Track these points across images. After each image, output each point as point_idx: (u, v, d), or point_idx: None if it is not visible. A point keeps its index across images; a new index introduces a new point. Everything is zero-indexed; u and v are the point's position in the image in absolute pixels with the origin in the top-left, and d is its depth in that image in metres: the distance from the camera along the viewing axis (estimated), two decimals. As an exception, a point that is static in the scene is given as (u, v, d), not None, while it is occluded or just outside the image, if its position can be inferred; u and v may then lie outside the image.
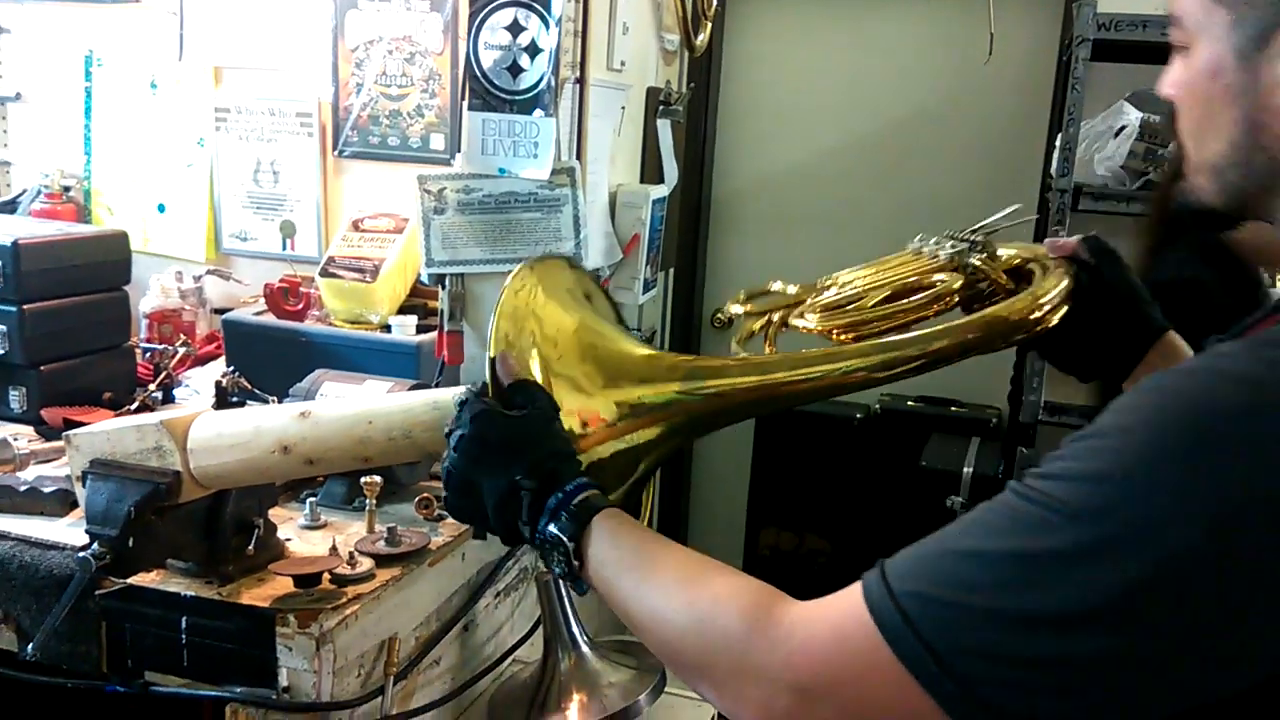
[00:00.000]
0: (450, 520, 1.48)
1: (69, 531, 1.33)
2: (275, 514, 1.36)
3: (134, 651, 1.25)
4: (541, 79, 1.72)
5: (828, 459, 3.08)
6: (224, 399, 1.56)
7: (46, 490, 1.41)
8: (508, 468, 0.88)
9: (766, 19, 3.19)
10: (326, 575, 1.26)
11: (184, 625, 1.22)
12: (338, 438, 1.11)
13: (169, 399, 1.86)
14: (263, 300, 1.98)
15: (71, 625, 1.23)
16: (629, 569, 0.84)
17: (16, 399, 1.74)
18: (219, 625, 1.21)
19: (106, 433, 1.19)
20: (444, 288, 1.78)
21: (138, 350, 1.99)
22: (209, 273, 2.20)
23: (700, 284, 3.34)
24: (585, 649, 1.50)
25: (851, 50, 3.14)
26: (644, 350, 1.01)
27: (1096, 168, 2.54)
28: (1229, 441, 0.61)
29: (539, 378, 0.94)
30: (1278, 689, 0.63)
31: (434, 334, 1.83)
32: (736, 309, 1.15)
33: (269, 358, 1.85)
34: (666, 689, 1.48)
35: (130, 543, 1.14)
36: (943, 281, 1.07)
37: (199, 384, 1.92)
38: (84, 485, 1.18)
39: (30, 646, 1.22)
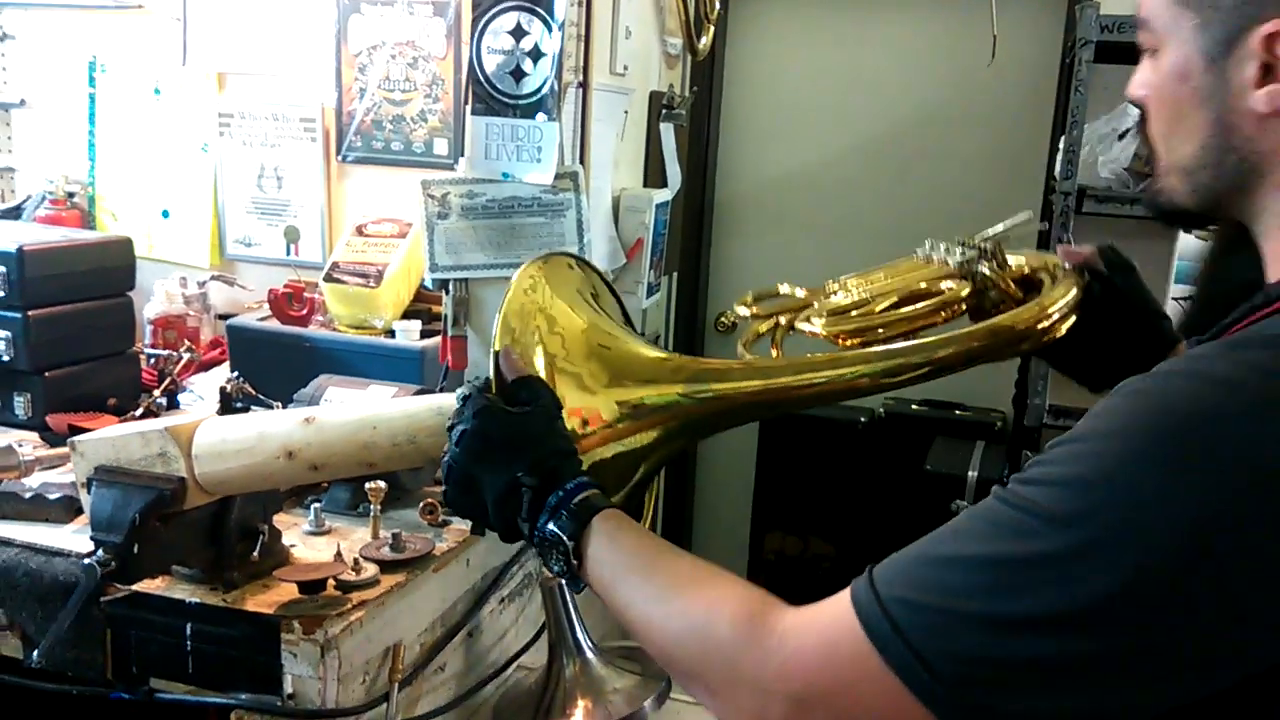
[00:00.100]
0: (455, 525, 1.48)
1: (74, 538, 1.33)
2: (280, 520, 1.36)
3: (139, 658, 1.25)
4: (544, 83, 1.72)
5: (832, 463, 3.07)
6: (228, 404, 1.56)
7: (51, 497, 1.41)
8: (509, 464, 0.88)
9: (769, 22, 3.19)
10: (331, 581, 1.26)
11: (189, 632, 1.22)
12: (342, 443, 1.11)
13: (173, 405, 1.86)
14: (267, 306, 1.98)
15: (76, 632, 1.23)
16: (627, 571, 0.84)
17: (21, 405, 1.74)
18: (224, 632, 1.21)
19: (111, 439, 1.19)
20: (448, 293, 1.78)
21: (142, 356, 1.99)
22: (213, 278, 2.20)
23: (703, 288, 3.34)
24: (590, 655, 1.49)
25: (854, 54, 3.14)
26: (651, 351, 1.01)
27: (1100, 170, 2.54)
28: (1207, 443, 0.62)
29: (543, 374, 0.94)
30: (1263, 686, 0.64)
31: (438, 339, 1.83)
32: (743, 311, 1.15)
33: (273, 363, 1.85)
34: (672, 695, 1.48)
35: (135, 549, 1.14)
36: (950, 289, 1.07)
37: (203, 390, 1.92)
38: (89, 492, 1.18)
39: (35, 653, 1.22)
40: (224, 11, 2.16)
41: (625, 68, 2.06)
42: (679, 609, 0.79)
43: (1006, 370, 2.61)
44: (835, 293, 1.12)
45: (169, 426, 1.17)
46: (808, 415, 2.96)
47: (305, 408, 1.42)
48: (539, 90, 1.72)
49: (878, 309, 1.07)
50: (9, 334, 1.71)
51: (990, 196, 3.03)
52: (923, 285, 1.09)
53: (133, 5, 2.23)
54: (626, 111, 2.13)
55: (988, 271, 1.07)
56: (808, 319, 1.09)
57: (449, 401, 1.06)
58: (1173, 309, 2.68)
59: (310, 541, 1.41)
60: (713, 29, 2.52)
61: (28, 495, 1.42)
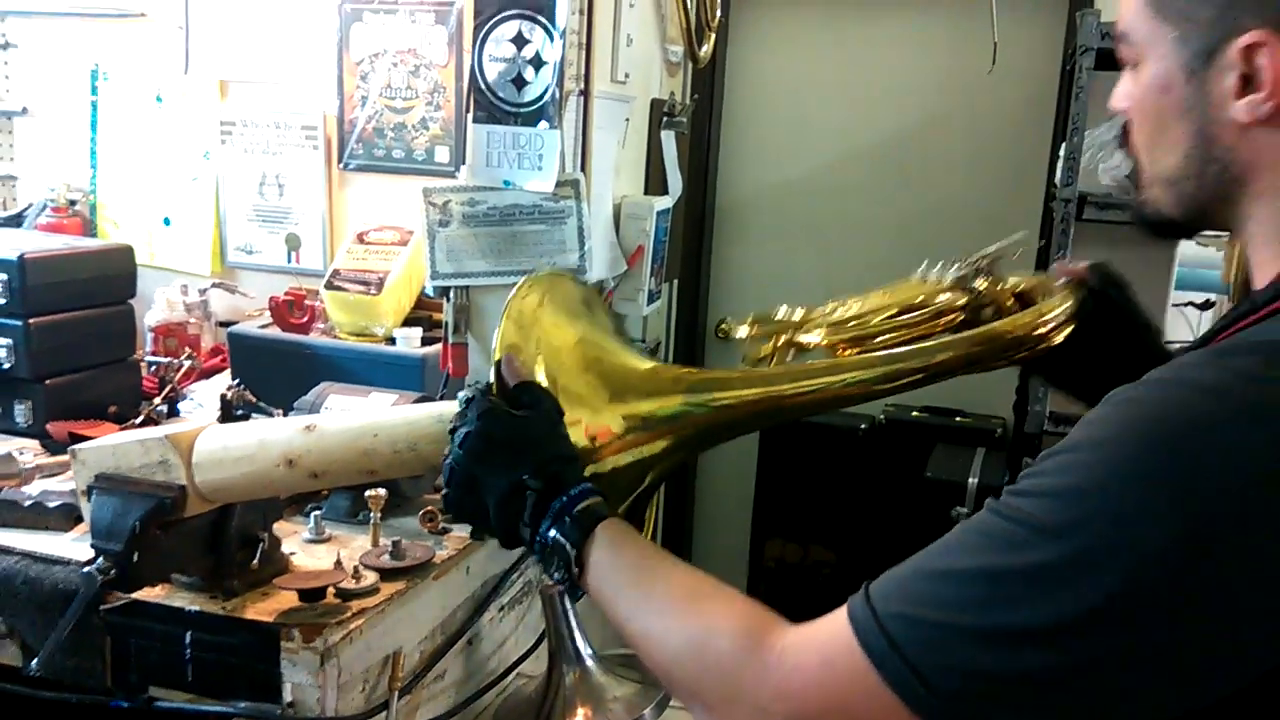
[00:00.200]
0: (455, 533, 1.47)
1: (74, 546, 1.33)
2: (279, 528, 1.36)
3: (138, 666, 1.25)
4: (546, 91, 1.72)
5: (832, 470, 3.07)
6: (229, 412, 1.56)
7: (51, 505, 1.41)
8: (512, 467, 0.87)
9: (770, 30, 3.20)
10: (331, 589, 1.25)
11: (188, 640, 1.22)
12: (342, 451, 1.11)
13: (174, 412, 1.86)
14: (268, 313, 1.98)
15: (76, 640, 1.22)
16: (628, 583, 0.84)
17: (22, 413, 1.74)
18: (223, 640, 1.21)
19: (111, 447, 1.19)
20: (449, 300, 1.78)
21: (143, 364, 1.99)
22: (214, 286, 2.21)
23: (704, 295, 3.34)
24: (590, 663, 1.49)
25: (855, 60, 3.14)
26: (646, 363, 1.01)
27: (1101, 177, 2.54)
28: (1198, 451, 0.62)
29: (543, 380, 0.94)
30: (1261, 692, 0.64)
31: (439, 346, 1.83)
32: (743, 331, 1.15)
33: (274, 371, 1.85)
34: (671, 704, 1.47)
35: (135, 557, 1.14)
36: (947, 299, 1.08)
37: (204, 397, 1.92)
38: (89, 500, 1.18)
39: (35, 662, 1.22)
40: (226, 20, 2.17)
41: (626, 75, 2.06)
42: (679, 624, 0.79)
43: (1007, 377, 2.60)
44: (834, 310, 1.13)
45: (169, 434, 1.17)
46: (808, 422, 2.95)
47: (306, 415, 1.42)
48: (540, 98, 1.72)
49: (876, 320, 1.08)
50: (10, 341, 1.71)
51: (990, 203, 3.03)
52: (920, 298, 1.09)
53: (135, 13, 2.24)
54: (628, 119, 2.13)
55: (983, 285, 1.08)
56: (808, 331, 1.09)
57: (450, 409, 1.06)
58: (1174, 315, 2.68)
59: (310, 549, 1.40)
60: (714, 37, 2.52)
61: (27, 503, 1.42)
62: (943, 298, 1.08)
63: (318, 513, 1.46)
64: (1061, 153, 2.45)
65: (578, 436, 0.92)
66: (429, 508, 1.49)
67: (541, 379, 0.94)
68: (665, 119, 2.34)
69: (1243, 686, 0.63)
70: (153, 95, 2.26)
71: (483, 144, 1.75)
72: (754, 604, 0.79)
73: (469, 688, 1.50)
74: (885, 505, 2.91)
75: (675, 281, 2.91)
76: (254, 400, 1.62)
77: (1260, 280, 0.76)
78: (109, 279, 1.86)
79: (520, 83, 1.73)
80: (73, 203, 2.29)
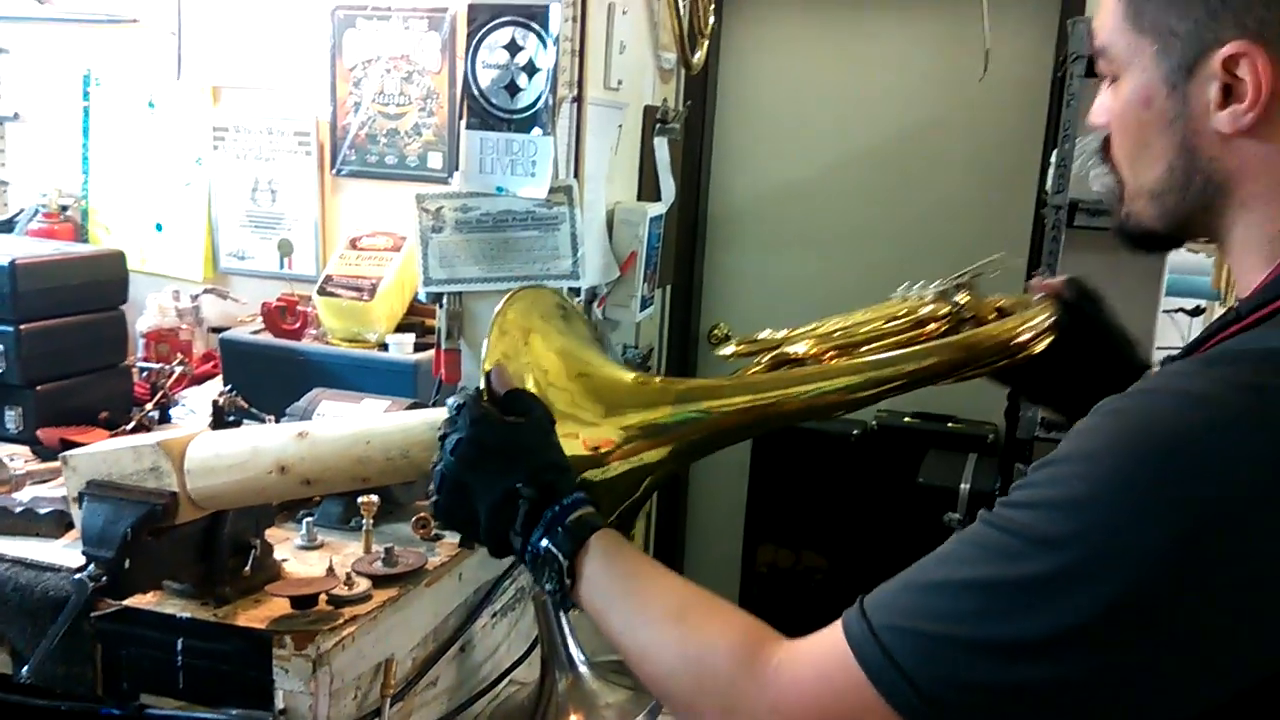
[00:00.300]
0: (447, 540, 1.47)
1: (64, 553, 1.33)
2: (271, 534, 1.36)
3: (129, 674, 1.24)
4: (539, 98, 1.72)
5: (825, 476, 3.07)
6: (221, 418, 1.56)
7: (42, 511, 1.41)
8: (505, 474, 0.86)
9: (762, 38, 3.21)
10: (323, 596, 1.25)
11: (180, 647, 1.22)
12: (336, 458, 1.11)
13: (165, 419, 1.86)
14: (260, 319, 1.98)
15: (67, 647, 1.22)
16: (622, 595, 0.84)
17: (13, 419, 1.74)
18: (215, 647, 1.21)
19: (103, 454, 1.19)
20: (442, 306, 1.78)
21: (134, 370, 1.98)
22: (206, 292, 2.20)
23: (697, 300, 3.34)
24: (583, 669, 1.49)
25: (847, 68, 3.15)
26: (630, 374, 1.01)
27: (1092, 184, 2.55)
28: (1189, 461, 0.63)
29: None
30: (1258, 697, 0.64)
31: (431, 352, 1.83)
32: (728, 350, 1.16)
33: (266, 377, 1.85)
34: (664, 713, 1.47)
35: (127, 564, 1.14)
36: (930, 310, 1.10)
37: (196, 403, 1.91)
38: (80, 506, 1.18)
39: (25, 669, 1.21)
40: (219, 25, 2.17)
41: (619, 82, 2.07)
42: (675, 638, 0.79)
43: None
44: (818, 328, 1.14)
45: (162, 441, 1.16)
46: (800, 428, 2.96)
47: (299, 422, 1.42)
48: (534, 105, 1.72)
49: (862, 331, 1.09)
50: (1, 347, 1.70)
51: (983, 210, 3.04)
52: (903, 311, 1.11)
53: (127, 19, 2.23)
54: (621, 126, 2.13)
55: (965, 299, 1.10)
56: (794, 342, 1.10)
57: (443, 415, 1.06)
58: (1164, 321, 2.69)
59: (302, 556, 1.40)
60: (706, 44, 2.53)
61: (18, 510, 1.41)
62: (926, 309, 1.10)
63: (310, 519, 1.45)
64: (1053, 159, 2.46)
65: (575, 448, 0.92)
66: (421, 514, 1.48)
67: (531, 389, 0.93)
68: (658, 125, 2.35)
69: (1236, 695, 0.64)
70: (145, 101, 2.25)
71: (476, 150, 1.75)
72: (749, 618, 0.79)
73: (461, 695, 1.50)
74: (877, 511, 2.92)
75: (668, 287, 2.91)
76: (246, 406, 1.62)
77: (1244, 288, 0.76)
78: (100, 284, 1.85)
79: (513, 89, 1.73)
80: (64, 208, 2.29)
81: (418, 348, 1.88)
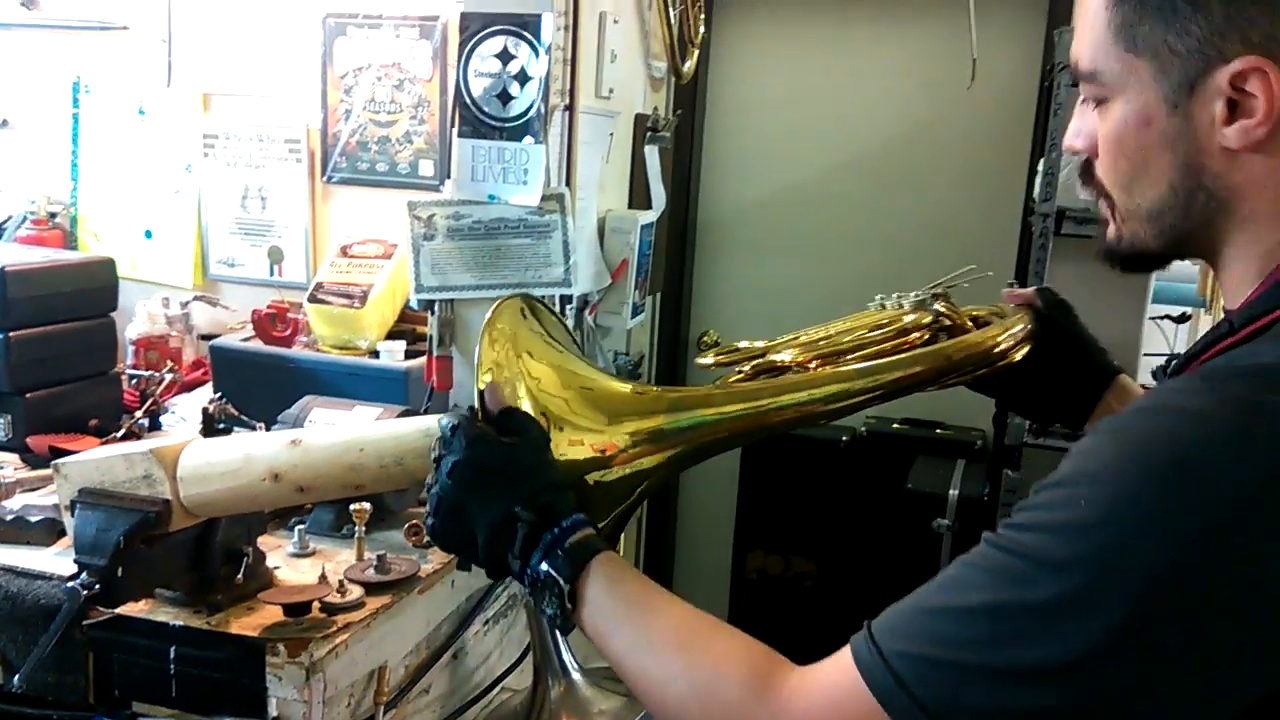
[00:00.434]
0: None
1: (55, 561, 1.32)
2: (264, 542, 1.36)
3: (122, 682, 1.24)
4: (531, 106, 1.73)
5: (814, 482, 3.08)
6: (211, 426, 1.56)
7: (33, 519, 1.40)
8: (503, 497, 0.85)
9: (752, 47, 3.22)
10: (316, 604, 1.25)
11: (172, 655, 1.21)
12: (329, 465, 1.11)
13: (155, 426, 1.85)
14: (250, 326, 1.98)
15: (58, 656, 1.21)
16: (626, 621, 0.83)
17: (2, 426, 1.73)
18: (208, 655, 1.20)
19: (95, 461, 1.18)
20: (433, 313, 1.78)
21: (124, 377, 1.98)
22: (196, 299, 2.20)
23: (687, 308, 3.35)
24: (576, 676, 1.49)
25: (836, 77, 3.17)
26: (626, 385, 1.00)
27: (1080, 192, 2.57)
28: (1192, 477, 0.63)
29: (528, 409, 0.93)
30: (1262, 712, 0.64)
31: (422, 359, 1.83)
32: (708, 360, 1.16)
33: (256, 384, 1.85)
34: None
35: (119, 572, 1.13)
36: (912, 320, 1.11)
37: (186, 411, 1.91)
38: (72, 514, 1.17)
39: (16, 678, 1.21)
40: (209, 32, 2.17)
41: (611, 91, 2.07)
42: (683, 667, 0.79)
43: (987, 390, 2.62)
44: (798, 338, 1.15)
45: (154, 449, 1.16)
46: (789, 434, 2.96)
47: (291, 429, 1.42)
48: (525, 113, 1.73)
49: (846, 339, 1.10)
50: (-10, 355, 1.70)
51: (969, 218, 3.06)
52: (886, 320, 1.13)
53: (117, 26, 2.23)
54: (612, 134, 2.14)
55: (943, 309, 1.13)
56: (777, 351, 1.11)
57: (436, 421, 1.06)
58: (1150, 329, 2.71)
59: (294, 563, 1.40)
60: (697, 53, 2.54)
61: (9, 517, 1.41)
62: (909, 319, 1.12)
63: (302, 527, 1.45)
64: (1040, 168, 2.48)
65: (582, 451, 0.91)
66: (414, 521, 1.49)
67: (525, 405, 0.92)
68: (649, 134, 2.36)
69: (1251, 706, 0.64)
70: (135, 108, 2.25)
71: (468, 158, 1.76)
72: (756, 644, 0.79)
73: (454, 702, 1.50)
74: (867, 517, 2.93)
75: (659, 295, 2.92)
76: (236, 414, 1.62)
77: (1233, 301, 0.76)
78: (90, 292, 1.85)
79: (505, 97, 1.74)
80: (53, 215, 2.28)
81: (409, 355, 1.88)
